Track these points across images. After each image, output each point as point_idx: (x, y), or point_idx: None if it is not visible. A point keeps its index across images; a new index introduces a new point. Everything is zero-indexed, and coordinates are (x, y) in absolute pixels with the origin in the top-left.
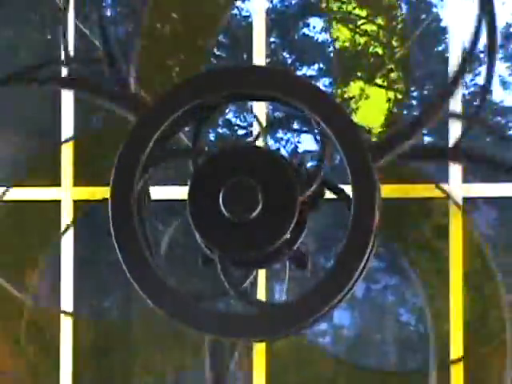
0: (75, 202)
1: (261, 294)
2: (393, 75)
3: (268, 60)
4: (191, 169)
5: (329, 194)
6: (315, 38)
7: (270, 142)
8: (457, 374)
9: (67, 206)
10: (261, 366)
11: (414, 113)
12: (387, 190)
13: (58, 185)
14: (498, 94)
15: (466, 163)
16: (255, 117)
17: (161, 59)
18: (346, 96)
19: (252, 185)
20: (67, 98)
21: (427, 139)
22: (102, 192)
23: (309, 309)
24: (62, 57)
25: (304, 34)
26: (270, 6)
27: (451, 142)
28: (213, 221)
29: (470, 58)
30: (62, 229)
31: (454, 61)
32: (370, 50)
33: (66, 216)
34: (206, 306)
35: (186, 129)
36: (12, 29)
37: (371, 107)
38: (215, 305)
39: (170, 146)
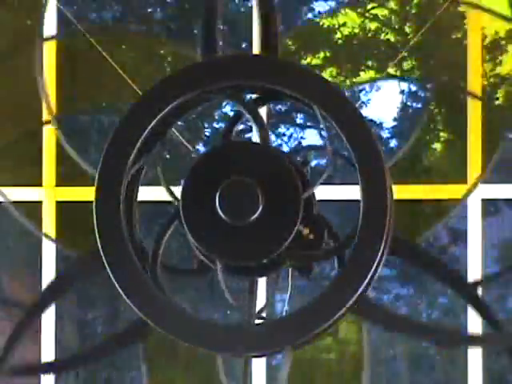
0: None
1: (260, 305)
2: (406, 64)
3: None
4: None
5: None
6: (321, 23)
7: (271, 138)
8: None
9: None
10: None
11: (430, 106)
12: (400, 191)
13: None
14: None
15: None
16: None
17: (152, 47)
18: (354, 87)
19: (251, 185)
20: None
21: None
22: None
23: (311, 321)
24: None
25: (308, 19)
26: None
27: None
28: (208, 224)
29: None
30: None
31: (472, 48)
32: (382, 36)
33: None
34: (198, 317)
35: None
36: None
37: (383, 100)
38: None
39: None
